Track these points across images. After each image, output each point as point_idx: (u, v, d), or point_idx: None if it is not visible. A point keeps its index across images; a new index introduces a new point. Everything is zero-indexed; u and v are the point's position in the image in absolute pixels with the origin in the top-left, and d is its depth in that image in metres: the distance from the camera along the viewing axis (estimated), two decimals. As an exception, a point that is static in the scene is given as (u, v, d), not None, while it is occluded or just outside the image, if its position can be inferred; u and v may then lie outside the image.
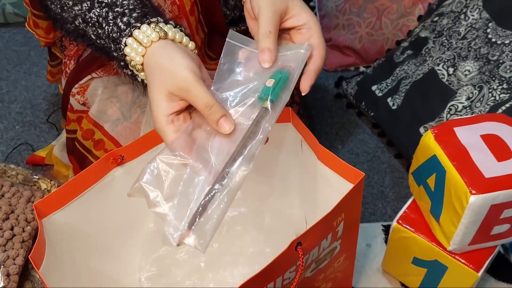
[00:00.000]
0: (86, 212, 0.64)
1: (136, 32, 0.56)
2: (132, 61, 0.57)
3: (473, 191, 0.63)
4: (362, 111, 1.13)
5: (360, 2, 1.19)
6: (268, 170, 0.75)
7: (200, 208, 0.51)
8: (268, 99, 0.54)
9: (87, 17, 0.60)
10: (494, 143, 0.67)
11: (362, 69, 1.24)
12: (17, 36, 1.36)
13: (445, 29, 1.02)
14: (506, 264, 0.86)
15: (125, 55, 0.57)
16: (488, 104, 0.90)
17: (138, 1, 0.59)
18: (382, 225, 0.93)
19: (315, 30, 0.59)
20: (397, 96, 1.03)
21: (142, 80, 0.59)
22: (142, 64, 0.56)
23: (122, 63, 0.59)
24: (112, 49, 0.59)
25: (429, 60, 1.01)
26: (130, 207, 0.71)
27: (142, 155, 0.66)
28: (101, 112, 0.80)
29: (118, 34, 0.57)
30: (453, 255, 0.72)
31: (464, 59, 0.96)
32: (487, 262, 0.72)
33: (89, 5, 0.59)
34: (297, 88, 0.92)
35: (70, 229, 0.63)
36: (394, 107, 1.04)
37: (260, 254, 0.76)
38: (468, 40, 0.97)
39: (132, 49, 0.56)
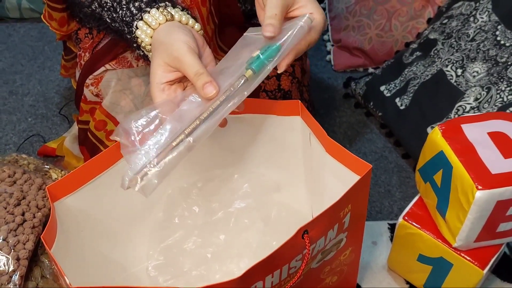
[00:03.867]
0: (97, 198, 0.65)
1: (146, 16, 0.60)
2: (142, 42, 0.61)
3: (480, 187, 0.63)
4: (370, 111, 1.14)
5: (370, 4, 1.20)
6: (276, 163, 0.76)
7: (154, 160, 0.55)
8: (250, 68, 0.57)
9: (102, 2, 0.65)
10: (501, 141, 0.68)
11: (370, 70, 1.25)
12: (32, 31, 1.38)
13: (454, 31, 1.03)
14: None
15: (137, 37, 0.62)
16: (496, 105, 0.91)
17: None
18: (388, 223, 0.93)
19: (318, 19, 0.62)
20: (405, 97, 1.04)
21: None
22: (150, 45, 0.61)
23: (135, 45, 0.63)
24: (126, 32, 0.63)
25: (438, 61, 1.02)
26: (140, 196, 0.71)
27: (153, 144, 0.67)
28: (114, 104, 0.81)
29: (131, 18, 0.62)
30: (458, 252, 0.72)
31: (473, 60, 0.97)
32: (492, 260, 0.72)
33: None
34: (306, 85, 0.94)
35: (81, 214, 0.64)
36: (402, 107, 1.04)
37: (267, 247, 0.76)
38: (477, 42, 0.98)
39: (142, 32, 0.61)
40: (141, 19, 0.61)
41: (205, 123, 0.56)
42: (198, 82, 0.56)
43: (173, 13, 0.61)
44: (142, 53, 0.64)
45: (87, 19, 0.71)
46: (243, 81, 0.57)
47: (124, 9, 0.63)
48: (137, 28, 0.61)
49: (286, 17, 0.62)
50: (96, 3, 0.66)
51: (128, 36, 0.64)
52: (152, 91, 0.59)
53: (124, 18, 0.63)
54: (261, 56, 0.57)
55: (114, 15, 0.64)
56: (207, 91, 0.56)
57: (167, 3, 0.61)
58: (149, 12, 0.60)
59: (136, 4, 0.62)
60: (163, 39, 0.59)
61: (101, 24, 0.69)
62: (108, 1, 0.64)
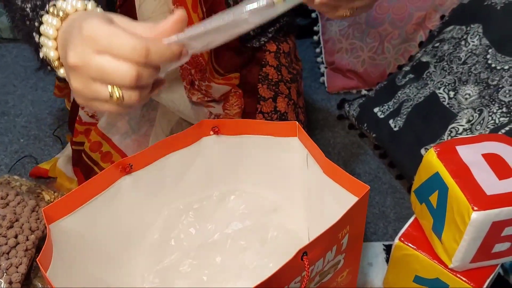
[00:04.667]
0: (93, 220, 0.65)
1: (59, 3, 0.51)
2: (47, 29, 0.51)
3: (475, 208, 0.64)
4: (364, 132, 1.15)
5: (363, 27, 1.22)
6: (273, 184, 0.76)
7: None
8: None
9: (25, 10, 0.57)
10: (495, 162, 0.68)
11: (364, 92, 1.26)
12: (25, 51, 1.38)
13: (446, 54, 1.05)
14: (507, 286, 0.87)
15: (42, 23, 0.52)
16: (488, 127, 0.92)
17: None
18: (383, 244, 0.93)
19: None
20: (398, 118, 1.05)
21: (43, 58, 0.53)
22: (58, 30, 0.51)
23: (34, 33, 0.54)
24: (35, 28, 0.54)
25: (430, 83, 1.04)
26: (136, 217, 0.71)
27: (150, 165, 0.67)
28: (110, 125, 0.81)
29: (40, 9, 0.54)
30: (454, 273, 0.72)
31: (465, 83, 0.99)
32: (488, 281, 0.72)
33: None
34: (302, 107, 0.94)
35: (76, 236, 0.63)
36: (395, 129, 1.05)
37: (263, 269, 0.76)
38: (469, 65, 1.00)
39: (52, 14, 0.51)
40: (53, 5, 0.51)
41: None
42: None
43: (88, 5, 0.52)
44: (38, 39, 0.53)
45: (22, 38, 0.60)
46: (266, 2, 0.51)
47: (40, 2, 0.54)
48: (47, 12, 0.51)
49: None
50: (19, 13, 0.58)
51: (35, 34, 0.54)
52: (97, 24, 0.45)
53: (37, 10, 0.55)
54: None
55: (27, 19, 0.56)
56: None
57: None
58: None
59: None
60: (79, 17, 0.49)
61: (30, 39, 0.58)
62: (29, 6, 0.56)
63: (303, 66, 1.07)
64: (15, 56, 1.37)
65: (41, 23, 0.51)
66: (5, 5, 0.62)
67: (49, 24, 0.51)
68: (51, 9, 0.51)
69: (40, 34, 0.52)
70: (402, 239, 0.76)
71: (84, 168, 0.86)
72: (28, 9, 0.56)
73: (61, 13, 0.50)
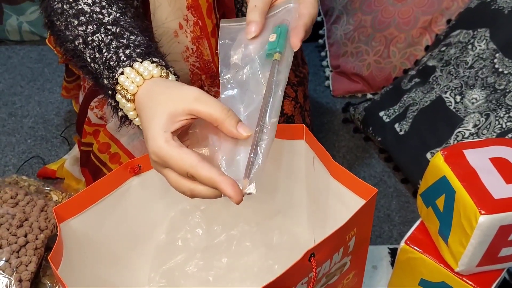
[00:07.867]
0: (101, 220, 0.65)
1: (136, 65, 0.56)
2: (123, 90, 0.56)
3: (483, 211, 0.64)
4: (369, 136, 1.15)
5: (369, 31, 1.23)
6: (279, 186, 0.76)
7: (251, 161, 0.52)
8: (277, 52, 0.55)
9: (89, 39, 0.59)
10: (502, 166, 0.69)
11: (369, 96, 1.27)
12: (32, 53, 1.39)
13: (452, 58, 1.05)
14: (512, 291, 0.87)
15: (117, 83, 0.56)
16: (494, 132, 0.92)
17: (145, 41, 0.59)
18: (388, 247, 0.93)
19: None
20: (404, 122, 1.06)
21: (122, 116, 0.59)
22: (134, 94, 0.55)
23: (110, 92, 0.58)
24: (105, 75, 0.58)
25: (437, 88, 1.04)
26: (144, 217, 0.72)
27: (159, 166, 0.68)
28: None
29: (116, 63, 0.57)
30: (460, 277, 0.72)
31: (471, 87, 0.99)
32: (494, 285, 0.72)
33: (94, 29, 0.59)
34: (308, 110, 0.95)
35: (84, 236, 0.64)
36: (401, 133, 1.06)
37: (268, 271, 0.76)
38: (475, 69, 1.00)
39: (129, 78, 0.55)
40: (130, 66, 0.56)
41: (267, 114, 0.54)
42: (229, 120, 0.51)
43: (168, 71, 0.57)
44: (114, 104, 0.59)
45: (67, 54, 0.65)
46: (276, 66, 0.55)
47: (111, 52, 0.58)
48: (121, 74, 0.56)
49: (275, 5, 0.60)
50: (80, 39, 0.60)
51: (105, 82, 0.58)
52: (157, 143, 0.51)
53: (108, 62, 0.57)
54: (279, 39, 0.56)
55: (97, 56, 0.59)
56: (241, 133, 0.51)
57: (161, 61, 0.58)
58: (141, 62, 0.56)
59: (127, 51, 0.57)
60: (169, 85, 0.54)
61: (79, 61, 0.63)
62: (96, 40, 0.59)
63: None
64: (22, 58, 1.38)
65: (137, 61, 0.56)
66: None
67: (148, 69, 0.55)
68: (155, 64, 0.56)
69: (127, 67, 0.56)
70: (408, 242, 0.76)
71: (92, 168, 0.87)
72: (108, 40, 0.59)
73: (164, 73, 0.56)
